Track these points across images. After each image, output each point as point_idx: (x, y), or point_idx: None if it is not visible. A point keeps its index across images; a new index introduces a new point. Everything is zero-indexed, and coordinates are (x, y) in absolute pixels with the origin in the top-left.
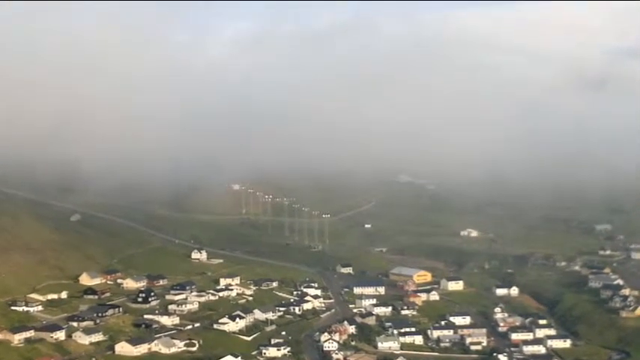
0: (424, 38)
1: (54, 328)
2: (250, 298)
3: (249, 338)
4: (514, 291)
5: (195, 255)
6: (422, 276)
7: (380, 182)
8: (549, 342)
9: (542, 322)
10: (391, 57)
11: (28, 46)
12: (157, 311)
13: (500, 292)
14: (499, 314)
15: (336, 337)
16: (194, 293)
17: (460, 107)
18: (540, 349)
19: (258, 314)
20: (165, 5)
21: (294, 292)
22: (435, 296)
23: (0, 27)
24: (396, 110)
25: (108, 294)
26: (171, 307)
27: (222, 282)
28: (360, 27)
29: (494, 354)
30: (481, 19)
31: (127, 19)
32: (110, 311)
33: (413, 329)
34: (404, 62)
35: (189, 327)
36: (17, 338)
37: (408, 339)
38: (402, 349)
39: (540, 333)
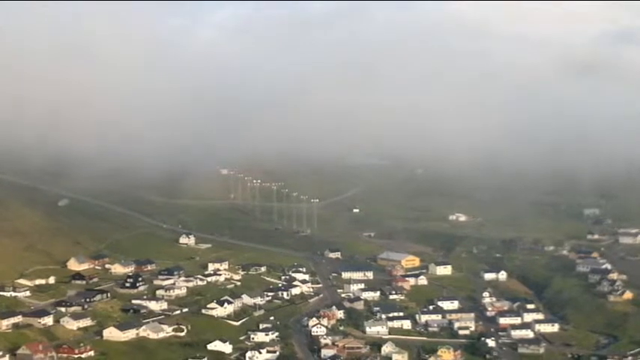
0: (417, 24)
1: (42, 313)
2: (238, 283)
3: (237, 323)
4: (502, 275)
5: (183, 240)
6: (410, 261)
7: (368, 167)
8: (537, 326)
9: (530, 306)
10: (384, 43)
11: (18, 34)
12: (144, 296)
13: (489, 276)
14: (487, 299)
15: (325, 322)
16: (182, 278)
17: (452, 94)
18: (528, 334)
19: (247, 299)
20: None
21: (283, 277)
22: (423, 281)
23: None
24: (388, 96)
25: (96, 279)
26: (159, 292)
27: (211, 267)
28: (352, 13)
29: (483, 338)
30: (473, 6)
31: (116, 3)
32: (98, 296)
33: (401, 314)
34: (396, 48)
35: (178, 312)
36: (5, 324)
37: (396, 324)
38: (390, 334)
39: (528, 317)
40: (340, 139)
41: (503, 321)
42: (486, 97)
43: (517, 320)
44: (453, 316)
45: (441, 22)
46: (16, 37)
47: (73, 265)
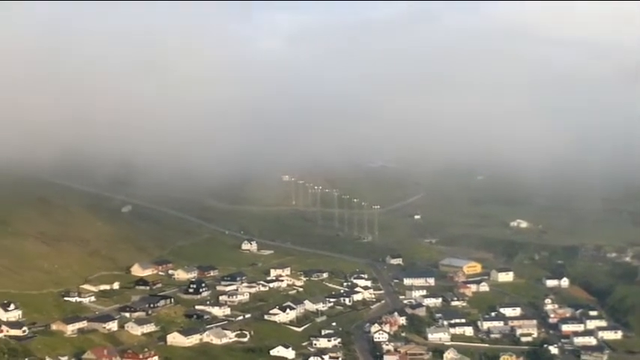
0: (482, 29)
1: (106, 318)
2: (301, 289)
3: (299, 329)
4: (564, 282)
5: (245, 246)
6: (472, 267)
7: (429, 173)
8: (600, 333)
9: (593, 313)
10: (447, 48)
11: (86, 47)
12: (208, 302)
13: (551, 283)
14: (549, 305)
15: (387, 328)
16: (245, 284)
17: (515, 99)
18: (591, 341)
19: (309, 305)
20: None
21: (345, 284)
22: (485, 287)
23: (57, 27)
24: (452, 102)
25: (159, 285)
26: (222, 297)
27: (273, 273)
28: (416, 18)
29: (545, 345)
30: (536, 11)
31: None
32: (162, 302)
33: (463, 320)
34: (461, 53)
35: (240, 318)
36: (70, 329)
37: (458, 330)
38: (452, 341)
39: (591, 324)
40: (402, 146)
41: (566, 328)
42: (549, 102)
43: (580, 327)
44: (515, 322)
45: (507, 28)
46: (84, 49)
47: (137, 271)
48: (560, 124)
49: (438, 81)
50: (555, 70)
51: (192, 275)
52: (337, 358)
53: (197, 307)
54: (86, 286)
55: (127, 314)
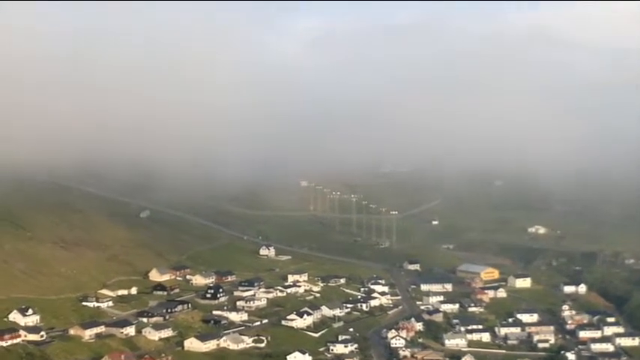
0: (504, 36)
1: (124, 323)
2: (318, 295)
3: (316, 334)
4: (582, 288)
5: (263, 251)
6: (489, 273)
7: (447, 179)
8: (618, 340)
9: (611, 319)
10: (470, 54)
11: (107, 51)
12: (225, 307)
13: (568, 289)
14: (567, 312)
15: (404, 333)
16: (262, 289)
17: (535, 105)
18: (609, 347)
19: (326, 311)
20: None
21: (362, 289)
22: (502, 293)
23: (79, 32)
24: (474, 108)
25: (177, 290)
26: (240, 303)
27: (290, 278)
28: (434, 24)
29: (562, 352)
30: (559, 17)
31: (206, 18)
32: (179, 307)
33: (480, 326)
34: (482, 60)
35: (258, 323)
36: (88, 334)
37: (475, 336)
38: (469, 347)
39: (609, 331)
40: (419, 152)
41: (583, 334)
42: (569, 107)
43: (597, 334)
44: (533, 329)
45: (529, 34)
46: (105, 54)
47: (155, 276)
48: (580, 128)
49: (459, 86)
50: (576, 75)
51: (210, 280)
52: None
53: (214, 312)
54: (104, 291)
55: (145, 319)
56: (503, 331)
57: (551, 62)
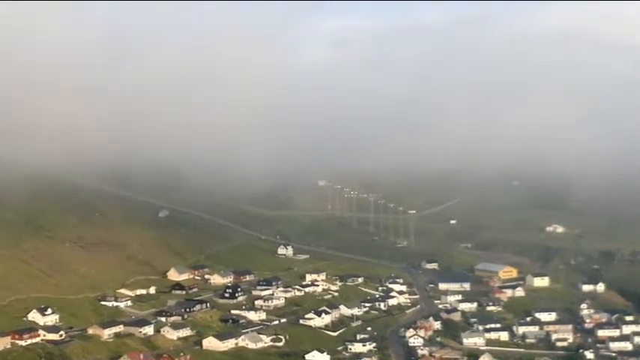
0: (533, 37)
1: (142, 323)
2: (336, 294)
3: (334, 334)
4: (600, 287)
5: (281, 251)
6: (507, 272)
7: (464, 178)
8: (636, 339)
9: (629, 318)
10: (496, 55)
11: (133, 54)
12: (243, 306)
13: (587, 288)
14: (585, 310)
15: (422, 332)
16: (280, 289)
17: (560, 104)
18: (627, 346)
19: (344, 310)
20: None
21: (380, 288)
22: (520, 292)
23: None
24: (500, 108)
25: (195, 289)
26: (258, 302)
27: (308, 277)
28: (464, 24)
29: (581, 350)
30: (592, 15)
31: (231, 19)
32: (198, 306)
33: (498, 325)
34: (512, 60)
35: (276, 322)
36: (107, 333)
37: (493, 335)
38: (487, 345)
39: (627, 329)
40: (438, 151)
41: (602, 333)
42: (594, 107)
43: (616, 332)
44: (551, 327)
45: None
46: (130, 57)
47: (173, 276)
48: (601, 130)
49: (487, 87)
50: (606, 76)
51: (228, 280)
52: None
53: (233, 311)
54: (123, 291)
55: (163, 319)
56: (522, 329)
57: (584, 63)
